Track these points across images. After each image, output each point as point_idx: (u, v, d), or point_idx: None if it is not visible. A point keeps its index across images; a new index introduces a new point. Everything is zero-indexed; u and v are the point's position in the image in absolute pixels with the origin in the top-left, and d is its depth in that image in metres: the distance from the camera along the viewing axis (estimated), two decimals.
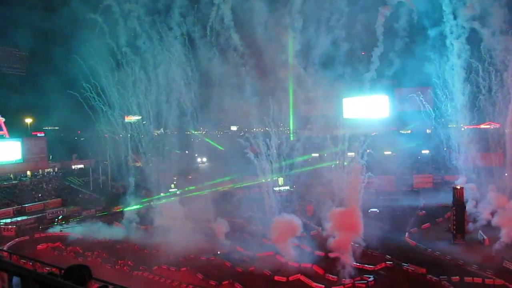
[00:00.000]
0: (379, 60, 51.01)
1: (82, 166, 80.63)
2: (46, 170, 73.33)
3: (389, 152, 73.79)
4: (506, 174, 54.52)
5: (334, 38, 51.94)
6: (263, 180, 53.10)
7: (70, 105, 62.22)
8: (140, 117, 65.09)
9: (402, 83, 77.24)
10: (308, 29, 53.10)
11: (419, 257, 41.11)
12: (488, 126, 64.73)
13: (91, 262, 41.03)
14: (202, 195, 56.53)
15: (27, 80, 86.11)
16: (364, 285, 36.03)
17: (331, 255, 40.79)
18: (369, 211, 52.18)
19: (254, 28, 51.42)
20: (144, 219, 55.32)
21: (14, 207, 58.87)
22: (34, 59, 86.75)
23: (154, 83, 59.44)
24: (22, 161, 65.59)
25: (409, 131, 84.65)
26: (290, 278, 37.82)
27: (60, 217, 58.17)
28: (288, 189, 63.57)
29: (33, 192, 64.51)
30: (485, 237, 44.16)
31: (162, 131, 68.44)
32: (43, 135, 75.49)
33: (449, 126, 67.88)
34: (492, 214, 48.36)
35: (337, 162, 54.44)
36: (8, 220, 55.23)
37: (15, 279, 4.28)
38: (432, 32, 58.34)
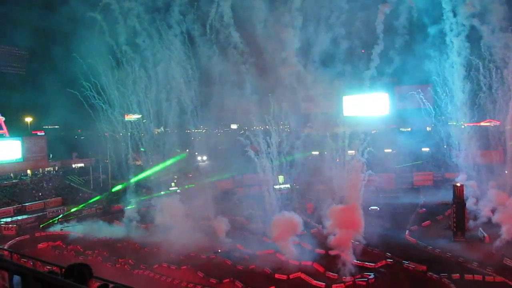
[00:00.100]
0: (379, 58, 50.96)
1: (82, 165, 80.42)
2: (46, 169, 73.10)
3: (389, 150, 73.79)
4: (506, 172, 54.48)
5: (334, 36, 51.97)
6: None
7: (70, 103, 62.02)
8: (140, 116, 65.10)
9: (402, 81, 77.14)
10: (308, 27, 53.09)
11: (420, 254, 41.13)
12: (488, 124, 64.82)
13: (92, 261, 41.10)
14: (202, 188, 56.51)
15: (27, 79, 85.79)
16: (364, 283, 36.07)
17: (332, 253, 40.88)
18: (369, 209, 52.20)
19: (254, 26, 51.35)
20: (144, 217, 55.28)
21: (14, 206, 58.78)
22: (34, 58, 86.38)
23: (154, 82, 59.46)
24: (22, 160, 65.42)
25: (409, 129, 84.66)
26: (291, 276, 37.83)
27: (60, 216, 58.13)
28: (288, 187, 63.60)
29: (34, 191, 64.34)
30: (485, 234, 44.16)
31: (162, 129, 68.45)
32: (43, 134, 75.21)
33: (449, 123, 67.90)
34: (493, 211, 48.40)
35: (337, 160, 54.57)
36: (9, 219, 55.18)
37: (16, 278, 4.28)
38: (432, 30, 58.31)
